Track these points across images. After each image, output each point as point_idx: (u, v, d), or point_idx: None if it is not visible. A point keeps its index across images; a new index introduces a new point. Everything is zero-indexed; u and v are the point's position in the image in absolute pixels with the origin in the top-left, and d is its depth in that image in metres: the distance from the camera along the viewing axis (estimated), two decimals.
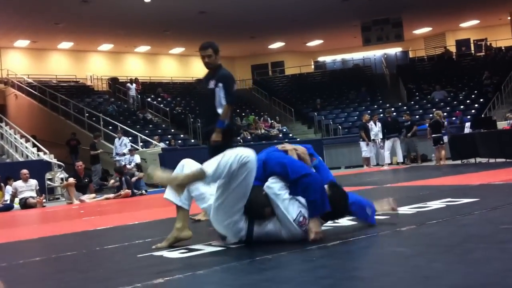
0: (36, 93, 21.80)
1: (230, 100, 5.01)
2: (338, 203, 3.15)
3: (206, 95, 5.08)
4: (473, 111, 20.08)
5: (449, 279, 2.06)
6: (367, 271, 2.41)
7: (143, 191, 12.41)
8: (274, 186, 3.14)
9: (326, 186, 3.17)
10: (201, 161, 3.44)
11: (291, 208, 3.08)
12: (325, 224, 3.73)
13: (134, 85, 23.63)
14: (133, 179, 12.54)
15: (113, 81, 25.53)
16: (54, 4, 18.71)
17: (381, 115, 18.29)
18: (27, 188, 11.24)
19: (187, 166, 3.31)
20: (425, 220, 3.56)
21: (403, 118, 16.28)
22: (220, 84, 4.98)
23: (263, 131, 21.08)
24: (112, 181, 12.65)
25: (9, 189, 11.71)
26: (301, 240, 3.14)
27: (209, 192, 3.30)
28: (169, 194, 3.40)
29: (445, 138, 14.00)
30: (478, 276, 2.07)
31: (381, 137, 15.38)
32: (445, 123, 14.91)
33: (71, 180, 11.52)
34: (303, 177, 3.07)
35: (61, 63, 26.27)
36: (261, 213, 3.14)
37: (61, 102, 20.67)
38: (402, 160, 15.14)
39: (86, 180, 12.14)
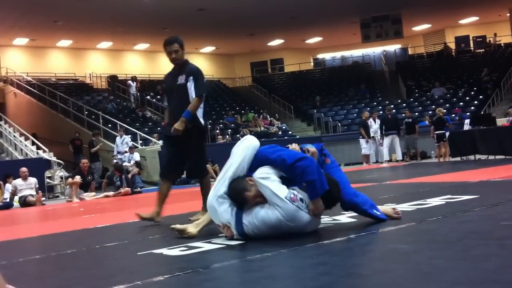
0: (35, 91, 21.77)
1: (199, 93, 4.86)
2: (332, 189, 3.20)
3: (177, 91, 4.90)
4: (472, 108, 20.07)
5: (449, 275, 2.06)
6: (367, 268, 2.41)
7: (138, 189, 12.40)
8: (263, 171, 3.21)
9: None
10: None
11: (281, 187, 3.14)
12: (324, 221, 3.73)
13: (135, 83, 23.59)
14: (128, 175, 12.54)
15: (112, 79, 25.50)
16: (52, 2, 18.67)
17: (381, 112, 18.28)
18: (27, 186, 11.23)
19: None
20: (425, 217, 3.57)
21: (403, 115, 16.27)
22: (191, 78, 4.87)
23: (262, 128, 21.06)
24: (104, 180, 12.65)
25: (8, 187, 11.71)
26: (298, 234, 3.15)
27: None
28: None
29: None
30: (478, 273, 2.07)
31: (379, 134, 15.39)
32: (449, 122, 14.85)
33: (78, 178, 11.53)
34: (298, 160, 3.14)
35: (60, 61, 26.23)
36: (242, 197, 3.22)
37: (60, 100, 20.64)
38: (401, 158, 15.15)
39: (90, 178, 12.18)
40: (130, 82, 23.52)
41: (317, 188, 3.11)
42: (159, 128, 19.91)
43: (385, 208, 3.66)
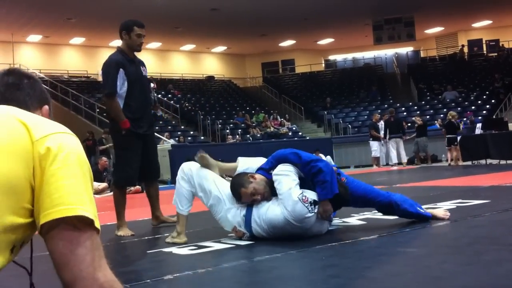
0: (47, 87, 21.81)
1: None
2: (340, 191, 3.24)
3: (142, 83, 4.44)
4: (484, 112, 19.94)
5: (460, 280, 2.06)
6: (377, 271, 2.40)
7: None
8: (285, 168, 3.27)
9: None
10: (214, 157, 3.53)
11: (297, 188, 3.18)
12: (335, 223, 3.73)
13: (152, 84, 22.99)
14: None
15: None
16: (66, 0, 18.81)
17: (389, 115, 18.17)
18: None
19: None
20: (436, 221, 3.54)
21: (413, 119, 16.18)
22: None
23: (272, 129, 21.06)
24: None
25: None
26: (305, 235, 3.14)
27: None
28: (175, 201, 3.55)
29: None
30: (489, 278, 2.06)
31: (388, 137, 15.28)
32: (461, 125, 14.71)
33: (104, 186, 11.72)
34: (314, 161, 3.22)
35: (72, 58, 26.39)
36: (238, 192, 3.27)
37: (72, 97, 20.77)
38: (405, 161, 14.99)
39: (105, 175, 12.28)
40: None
41: (327, 190, 3.14)
42: (169, 127, 19.97)
43: (432, 210, 3.70)
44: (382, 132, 15.45)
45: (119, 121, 4.20)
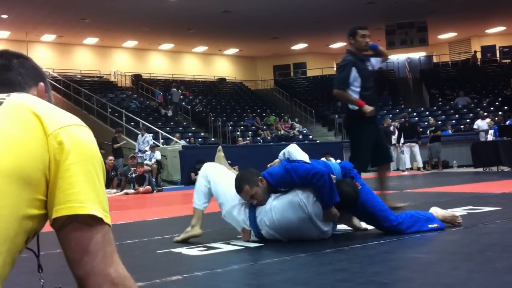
0: (60, 87, 22.03)
1: None
2: (347, 196, 3.26)
3: (371, 77, 5.08)
4: (496, 118, 19.77)
5: (470, 287, 2.04)
6: (387, 276, 2.39)
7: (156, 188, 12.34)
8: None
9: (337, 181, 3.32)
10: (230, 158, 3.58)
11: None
12: (343, 228, 3.72)
13: (180, 91, 22.50)
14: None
15: (137, 78, 25.71)
16: (80, 0, 18.94)
17: (403, 119, 18.11)
18: None
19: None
20: (446, 227, 3.52)
21: (426, 123, 16.08)
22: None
23: (283, 132, 21.05)
24: (123, 178, 12.69)
25: None
26: (317, 240, 3.14)
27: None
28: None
29: None
30: (499, 286, 2.05)
31: (402, 141, 15.21)
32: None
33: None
34: (311, 182, 3.19)
35: (85, 58, 26.55)
36: (240, 186, 3.29)
37: (84, 97, 20.89)
38: (422, 165, 14.94)
39: (113, 174, 12.31)
40: (174, 89, 22.42)
41: (327, 201, 3.19)
42: (180, 128, 20.01)
43: (444, 214, 3.61)
44: (394, 137, 15.39)
45: (353, 102, 4.83)
